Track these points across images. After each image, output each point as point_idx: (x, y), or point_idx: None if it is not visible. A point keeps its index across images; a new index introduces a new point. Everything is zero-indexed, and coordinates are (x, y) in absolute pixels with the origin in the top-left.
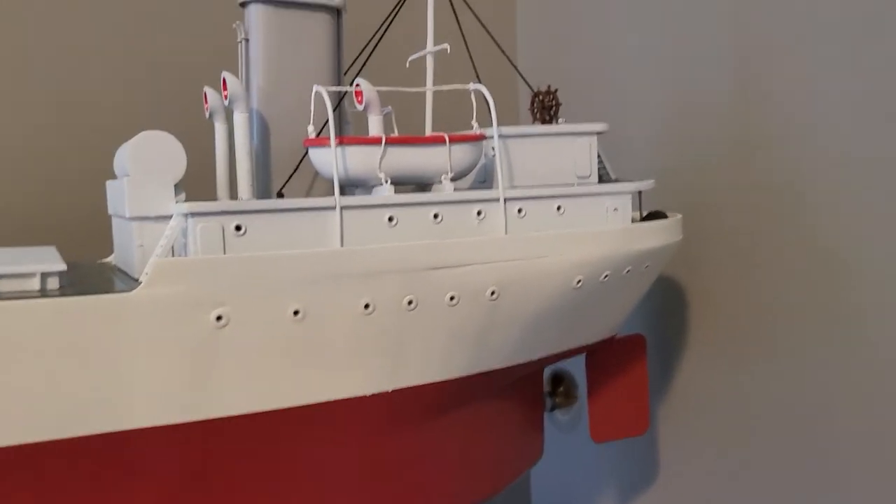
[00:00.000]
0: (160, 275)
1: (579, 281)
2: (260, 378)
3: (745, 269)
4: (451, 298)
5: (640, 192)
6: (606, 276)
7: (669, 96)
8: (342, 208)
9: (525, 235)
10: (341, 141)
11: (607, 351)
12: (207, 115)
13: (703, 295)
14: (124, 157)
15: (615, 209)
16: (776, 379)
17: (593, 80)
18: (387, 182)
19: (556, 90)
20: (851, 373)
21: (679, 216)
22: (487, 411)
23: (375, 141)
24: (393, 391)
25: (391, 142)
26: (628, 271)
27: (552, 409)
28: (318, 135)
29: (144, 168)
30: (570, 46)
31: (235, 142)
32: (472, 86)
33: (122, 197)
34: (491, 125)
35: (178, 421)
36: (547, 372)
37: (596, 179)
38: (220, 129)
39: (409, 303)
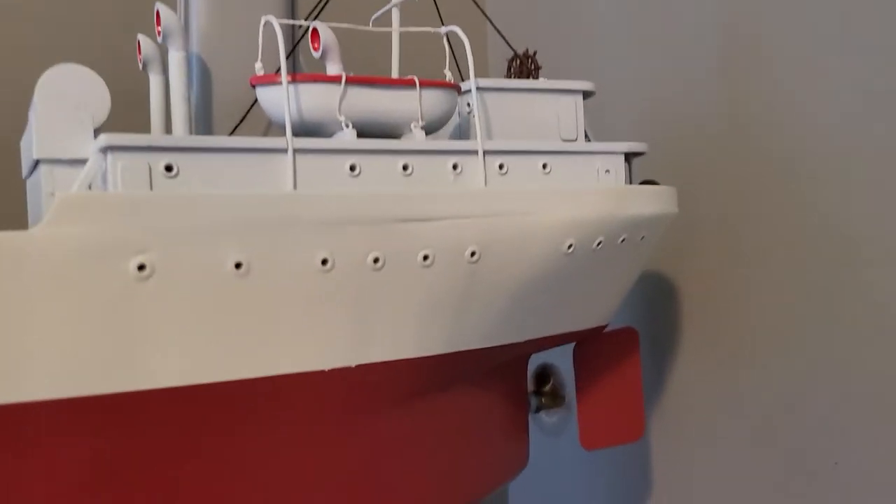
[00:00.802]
0: (67, 211)
1: (570, 246)
2: (191, 344)
3: (740, 260)
4: (425, 258)
5: (630, 158)
6: (600, 242)
7: (652, 71)
8: (295, 151)
9: (508, 189)
10: (294, 78)
11: (597, 344)
12: (141, 65)
13: (694, 288)
14: (34, 95)
15: (607, 171)
16: (777, 377)
17: (568, 51)
18: (348, 127)
19: (534, 53)
20: (856, 370)
21: (674, 188)
22: (465, 405)
23: (335, 79)
24: (357, 367)
25: (353, 81)
26: (623, 240)
27: (537, 409)
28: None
29: (56, 102)
30: (545, 9)
31: (170, 85)
32: (444, 28)
33: (30, 140)
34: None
35: (85, 393)
36: (531, 368)
37: (583, 143)
38: (155, 81)
39: (376, 261)
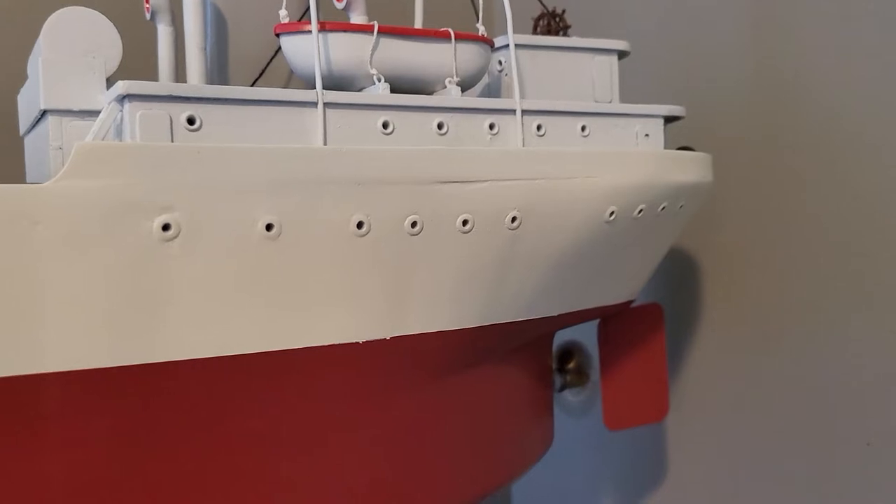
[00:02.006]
0: (86, 162)
1: (612, 213)
2: (218, 312)
3: (768, 235)
4: (465, 223)
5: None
6: (641, 210)
7: (679, 34)
8: (326, 105)
9: (552, 149)
10: (323, 26)
11: (623, 320)
12: (148, 15)
13: (717, 264)
14: (39, 41)
15: (646, 135)
16: (806, 356)
17: (591, 11)
18: (380, 81)
19: (563, 11)
20: (889, 349)
21: (710, 155)
22: (492, 383)
23: (366, 28)
24: (391, 339)
25: (386, 31)
26: (663, 209)
27: (561, 388)
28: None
29: (65, 48)
30: None
31: (185, 32)
32: None
33: (36, 89)
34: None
35: (105, 365)
36: (555, 345)
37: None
38: (164, 33)
39: (413, 225)
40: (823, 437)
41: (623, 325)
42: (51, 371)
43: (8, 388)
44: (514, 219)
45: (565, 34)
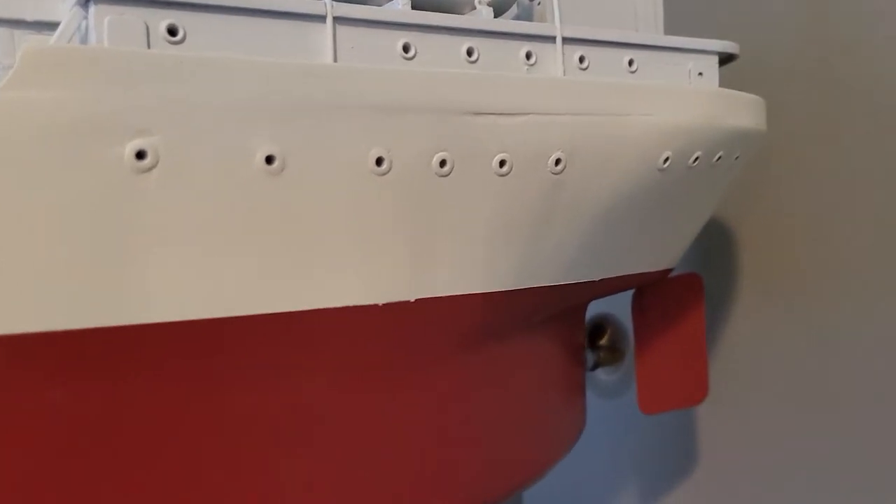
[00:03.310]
0: (38, 68)
1: (667, 160)
2: (204, 263)
3: (818, 201)
4: (501, 164)
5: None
6: (697, 158)
7: None
8: (336, 20)
9: (603, 80)
10: None
11: (660, 291)
12: None
13: (761, 234)
14: None
15: (700, 73)
16: (855, 344)
17: None
18: None
19: None
20: None
21: (762, 99)
22: (526, 358)
23: None
24: (416, 301)
25: None
26: (719, 159)
27: (594, 366)
28: None
29: None
30: None
31: None
32: None
33: None
34: None
35: (61, 327)
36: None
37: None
38: None
39: (442, 164)
40: (871, 431)
41: (660, 297)
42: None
43: None
44: (557, 161)
45: None
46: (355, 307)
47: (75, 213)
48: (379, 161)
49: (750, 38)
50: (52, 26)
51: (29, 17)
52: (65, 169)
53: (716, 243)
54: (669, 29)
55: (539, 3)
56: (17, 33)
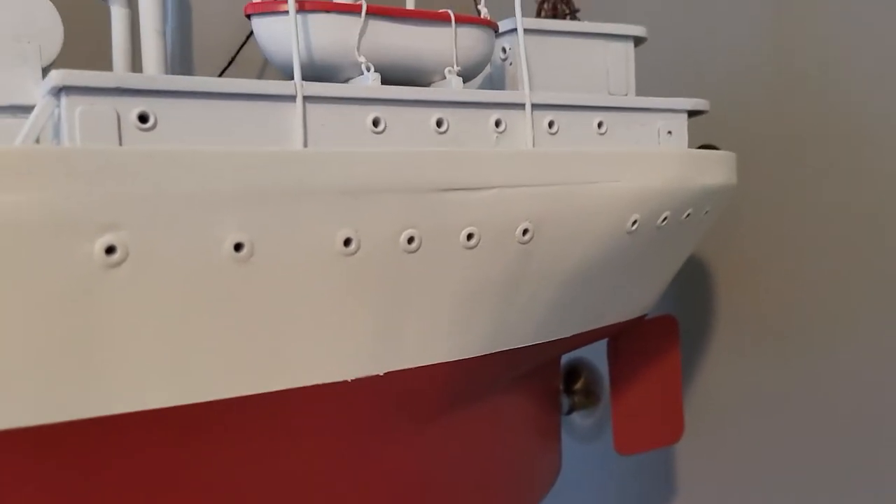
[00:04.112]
0: (8, 169)
1: (635, 222)
2: (176, 352)
3: (787, 240)
4: (469, 237)
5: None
6: (665, 219)
7: (690, 19)
8: (306, 99)
9: (571, 150)
10: (302, 6)
11: (634, 335)
12: None
13: (733, 270)
14: None
15: (669, 132)
16: (825, 376)
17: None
18: (369, 70)
19: None
20: None
21: (732, 153)
22: (498, 412)
23: (353, 8)
24: (385, 375)
25: (375, 12)
26: (688, 215)
27: (569, 411)
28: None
29: None
30: None
31: (141, 17)
32: None
33: None
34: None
35: (30, 423)
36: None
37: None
38: (118, 15)
39: (410, 241)
40: (843, 458)
41: (635, 340)
42: None
43: None
44: (525, 231)
45: (572, 19)
46: (325, 384)
47: (47, 308)
48: (347, 242)
49: (719, 87)
50: (26, 109)
51: (3, 102)
52: (36, 267)
53: (690, 284)
54: (639, 82)
55: (511, 64)
56: None
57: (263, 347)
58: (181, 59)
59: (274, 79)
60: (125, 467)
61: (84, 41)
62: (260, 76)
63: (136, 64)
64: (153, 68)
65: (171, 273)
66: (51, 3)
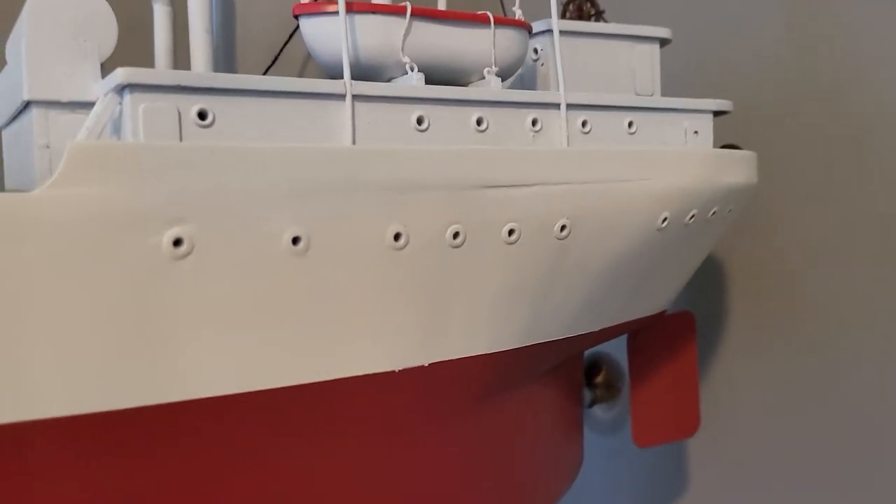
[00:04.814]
0: (82, 165)
1: (665, 220)
2: (238, 341)
3: (803, 242)
4: (510, 233)
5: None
6: (693, 216)
7: (709, 26)
8: (355, 98)
9: (605, 149)
10: (351, 7)
11: (653, 330)
12: None
13: (749, 271)
14: (21, 18)
15: (695, 132)
16: (840, 372)
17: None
18: (413, 70)
19: None
20: None
21: (754, 153)
22: (530, 403)
23: (398, 10)
24: (430, 366)
25: (419, 14)
26: (714, 213)
27: (591, 404)
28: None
29: (52, 28)
30: None
31: (189, 13)
32: None
33: (18, 76)
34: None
35: (106, 408)
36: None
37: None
38: (161, 12)
39: (455, 235)
40: (858, 456)
41: (654, 336)
42: (40, 418)
43: None
44: (563, 227)
45: (598, 20)
46: (375, 374)
47: (119, 299)
48: (397, 236)
49: (742, 89)
50: (83, 105)
51: (64, 99)
52: (109, 257)
53: (706, 280)
54: (665, 85)
55: (542, 64)
56: (52, 113)
57: (318, 338)
58: (225, 55)
59: (314, 76)
60: (190, 452)
61: (127, 38)
62: (301, 73)
63: (177, 60)
64: (202, 67)
65: (233, 265)
66: (106, 3)
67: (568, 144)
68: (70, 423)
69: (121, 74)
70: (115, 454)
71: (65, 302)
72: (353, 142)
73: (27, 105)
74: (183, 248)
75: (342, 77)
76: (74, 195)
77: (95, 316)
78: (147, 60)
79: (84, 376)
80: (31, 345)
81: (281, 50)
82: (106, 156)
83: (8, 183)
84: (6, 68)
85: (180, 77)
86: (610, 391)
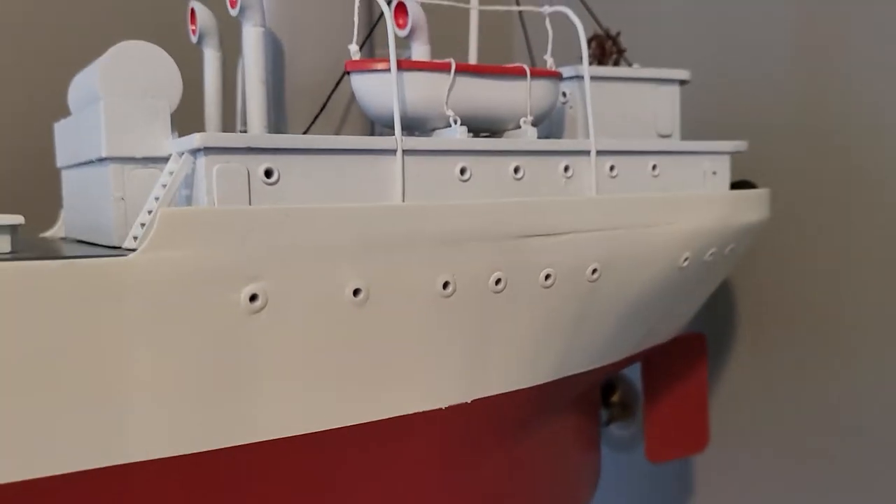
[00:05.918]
0: (172, 230)
1: (686, 259)
2: (306, 386)
3: (809, 261)
4: (547, 277)
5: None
6: (712, 253)
7: (721, 63)
8: (405, 152)
9: (633, 196)
10: (400, 65)
11: (666, 351)
12: (195, 38)
13: (757, 290)
14: (93, 78)
15: (714, 172)
16: (846, 389)
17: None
18: (456, 123)
19: (618, 33)
20: None
21: (767, 190)
22: (556, 429)
23: (443, 66)
24: (472, 402)
25: (463, 70)
26: (731, 249)
27: (608, 422)
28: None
29: (126, 88)
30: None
31: (245, 65)
32: (547, 9)
33: (91, 133)
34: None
35: (195, 450)
36: None
37: (679, 139)
38: (211, 57)
39: (497, 282)
40: (866, 472)
41: (667, 357)
42: (136, 461)
43: (90, 483)
44: (594, 270)
45: (619, 57)
46: (424, 412)
47: (204, 349)
48: (445, 285)
49: (755, 122)
50: (156, 160)
51: (138, 155)
52: (196, 312)
53: (714, 300)
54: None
55: (571, 107)
56: (127, 168)
57: (374, 380)
58: (275, 103)
59: (355, 121)
60: (267, 492)
61: None
62: (343, 118)
63: (225, 103)
64: (257, 117)
65: (301, 316)
66: (173, 61)
67: (597, 189)
68: (164, 466)
69: (198, 139)
70: (204, 495)
71: (159, 354)
72: (404, 194)
73: (101, 159)
74: (258, 303)
75: (389, 127)
76: (166, 258)
77: (185, 365)
78: (195, 101)
79: (175, 421)
80: (130, 393)
81: (328, 99)
82: (193, 221)
83: (68, 218)
84: (71, 117)
85: (250, 140)
86: (625, 410)
